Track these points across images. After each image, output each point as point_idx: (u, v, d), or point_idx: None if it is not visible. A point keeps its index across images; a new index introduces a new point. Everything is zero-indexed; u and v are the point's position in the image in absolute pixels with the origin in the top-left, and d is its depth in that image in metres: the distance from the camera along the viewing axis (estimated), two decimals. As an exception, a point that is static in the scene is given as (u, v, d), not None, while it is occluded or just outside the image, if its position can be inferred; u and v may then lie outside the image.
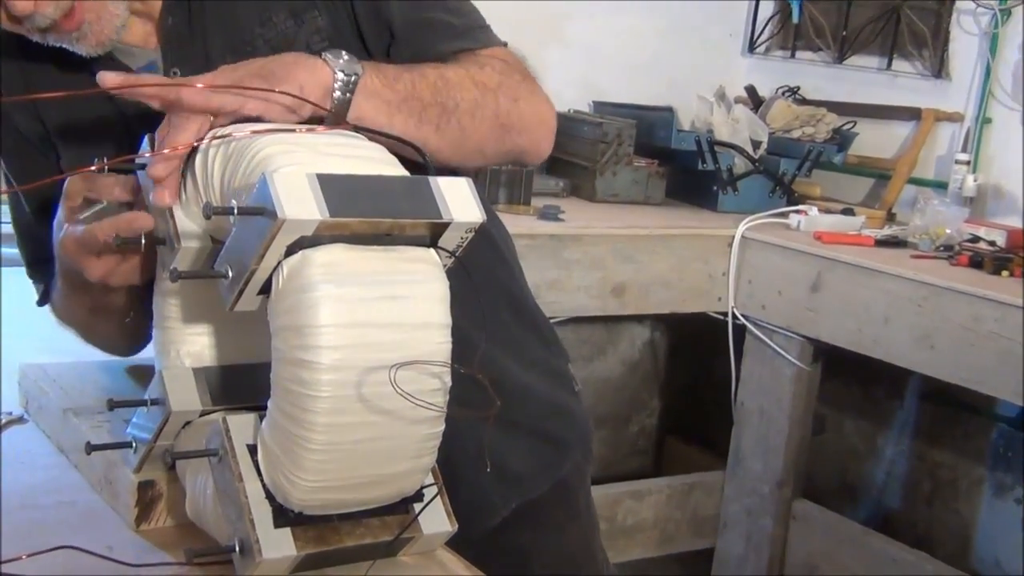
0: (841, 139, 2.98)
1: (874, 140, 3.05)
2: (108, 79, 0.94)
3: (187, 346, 0.99)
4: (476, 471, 1.01)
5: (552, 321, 1.42)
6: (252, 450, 0.86)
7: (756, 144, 2.90)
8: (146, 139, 0.95)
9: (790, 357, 2.61)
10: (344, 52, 1.00)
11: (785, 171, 2.87)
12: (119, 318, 1.16)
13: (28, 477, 1.08)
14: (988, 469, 2.82)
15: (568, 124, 2.94)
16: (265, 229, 0.79)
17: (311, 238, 0.81)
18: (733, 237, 2.62)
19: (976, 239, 2.50)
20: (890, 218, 2.87)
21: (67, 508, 1.02)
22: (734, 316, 2.64)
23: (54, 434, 1.17)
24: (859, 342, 2.41)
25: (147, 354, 1.21)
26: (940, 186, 2.90)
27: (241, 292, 0.83)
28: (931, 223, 2.54)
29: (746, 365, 2.73)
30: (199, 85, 0.93)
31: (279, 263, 0.81)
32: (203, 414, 0.95)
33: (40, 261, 1.23)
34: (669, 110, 2.92)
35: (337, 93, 0.99)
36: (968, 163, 2.81)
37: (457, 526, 0.94)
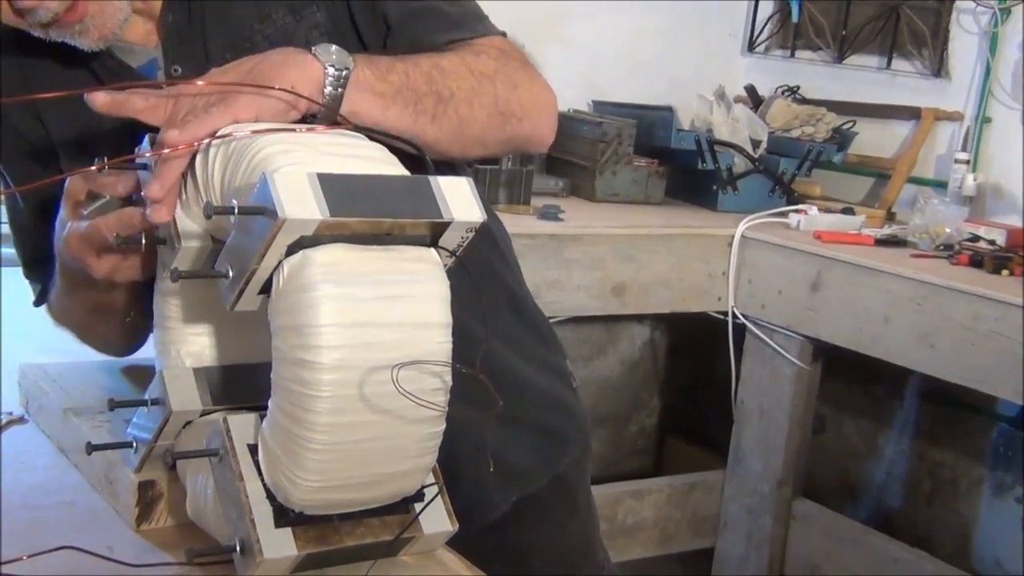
0: (841, 138, 2.98)
1: (874, 139, 3.05)
2: (98, 100, 0.94)
3: (187, 346, 0.99)
4: (476, 466, 1.01)
5: (552, 321, 1.42)
6: (253, 450, 0.86)
7: (756, 143, 2.90)
8: (146, 138, 0.95)
9: (790, 356, 2.61)
10: (334, 46, 0.99)
11: (785, 170, 2.87)
12: (119, 317, 1.16)
13: (28, 477, 1.08)
14: (988, 468, 2.82)
15: (568, 124, 2.94)
16: (265, 229, 0.79)
17: (311, 238, 0.80)
18: (733, 236, 2.62)
19: (976, 238, 2.50)
20: (890, 217, 2.87)
21: (67, 508, 1.02)
22: (734, 315, 2.64)
23: (54, 434, 1.17)
24: (859, 341, 2.41)
25: (147, 354, 1.21)
26: (940, 185, 2.90)
27: (241, 292, 0.83)
28: (931, 222, 2.54)
29: (746, 364, 2.73)
30: (199, 83, 0.92)
31: (279, 263, 0.81)
32: (203, 414, 0.95)
33: (37, 261, 1.23)
34: (669, 109, 2.92)
35: (329, 88, 0.97)
36: (968, 162, 2.81)
37: (458, 526, 0.93)
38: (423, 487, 0.90)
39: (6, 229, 1.28)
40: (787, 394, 2.65)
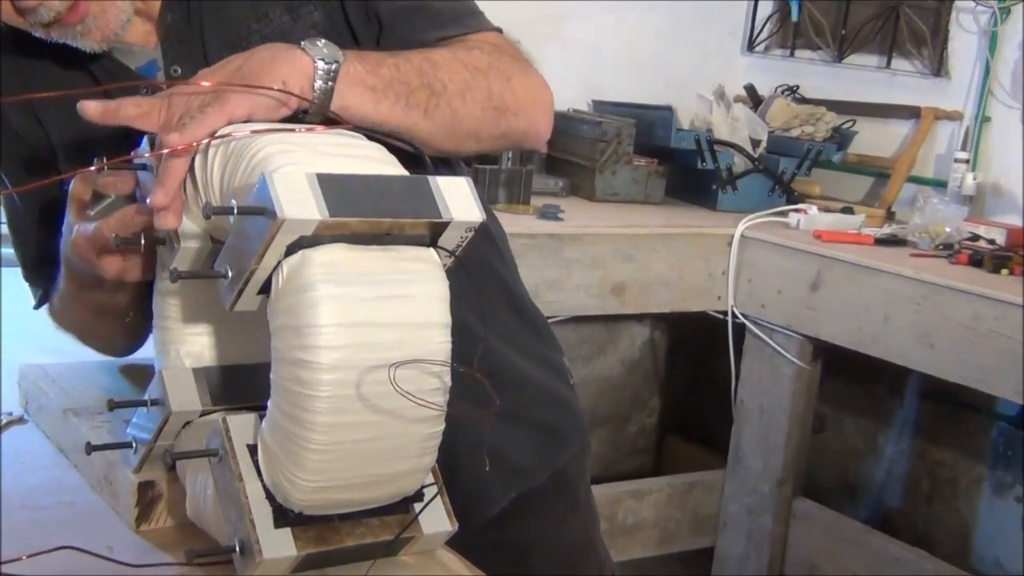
0: (840, 138, 2.98)
1: (873, 139, 3.05)
2: (90, 109, 0.93)
3: (187, 346, 0.99)
4: (475, 462, 1.01)
5: (552, 320, 1.42)
6: (252, 450, 0.86)
7: (755, 143, 2.90)
8: (145, 139, 0.95)
9: (790, 356, 2.61)
10: (323, 40, 0.98)
11: (784, 170, 2.87)
12: (120, 318, 1.15)
13: (28, 477, 1.08)
14: (988, 467, 2.82)
15: (567, 123, 2.95)
16: (265, 229, 0.79)
17: (311, 238, 0.80)
18: (733, 236, 2.62)
19: (976, 237, 2.50)
20: (890, 217, 2.87)
21: (67, 508, 1.02)
22: (734, 315, 2.64)
23: (54, 434, 1.17)
24: (859, 341, 2.41)
25: (147, 354, 1.21)
26: (940, 184, 2.90)
27: (241, 292, 0.83)
28: (931, 221, 2.54)
29: (746, 364, 2.73)
30: (196, 82, 0.92)
31: (279, 263, 0.81)
32: (203, 414, 0.95)
33: (37, 264, 1.23)
34: (668, 109, 2.92)
35: (319, 82, 0.96)
36: (967, 161, 2.81)
37: (457, 525, 0.93)
38: (423, 487, 0.91)
39: (6, 229, 1.28)
40: (787, 393, 2.65)
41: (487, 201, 2.51)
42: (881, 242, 2.55)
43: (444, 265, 0.87)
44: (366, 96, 1.00)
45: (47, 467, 1.11)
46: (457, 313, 0.85)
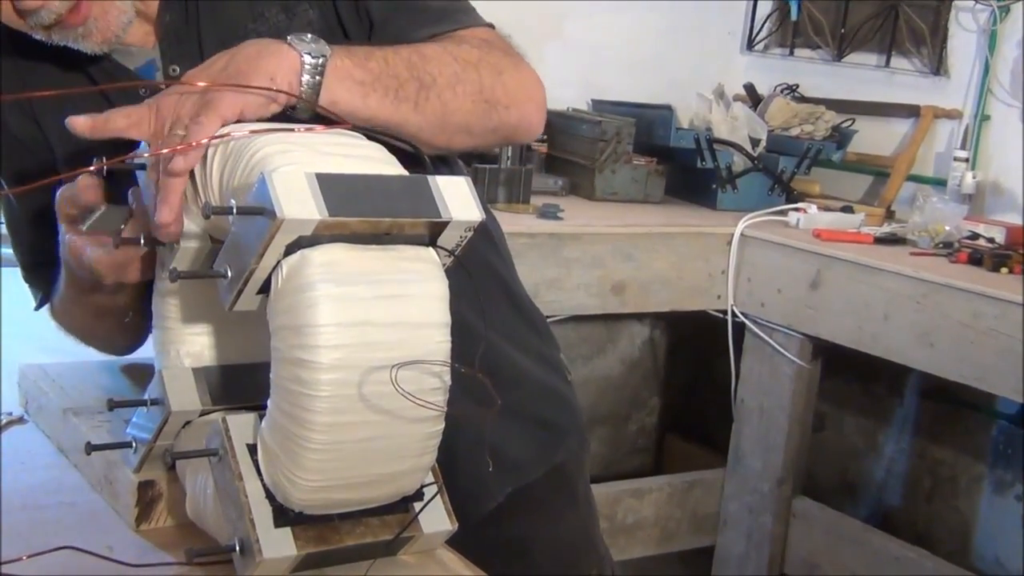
0: (840, 137, 2.98)
1: (873, 137, 3.05)
2: (79, 125, 0.93)
3: (187, 346, 0.99)
4: (473, 458, 1.01)
5: (552, 320, 1.42)
6: (252, 449, 0.86)
7: (755, 142, 2.90)
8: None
9: (790, 355, 2.61)
10: (309, 35, 0.97)
11: (784, 169, 2.87)
12: (120, 319, 1.16)
13: (28, 477, 1.08)
14: (988, 466, 2.82)
15: (567, 123, 2.95)
16: (264, 229, 0.79)
17: (310, 237, 0.81)
18: (732, 235, 2.62)
19: (975, 236, 2.50)
20: (889, 215, 2.87)
21: (67, 508, 1.02)
22: (733, 314, 2.64)
23: (54, 434, 1.17)
24: (859, 339, 2.41)
25: (147, 353, 1.21)
26: (939, 183, 2.90)
27: (240, 292, 0.83)
28: (930, 220, 2.54)
29: (746, 363, 2.73)
30: (188, 82, 0.92)
31: (278, 262, 0.81)
32: (203, 414, 0.95)
33: (36, 266, 1.23)
34: (668, 108, 2.92)
35: (306, 77, 0.95)
36: (967, 160, 2.81)
37: (457, 525, 0.94)
38: (422, 486, 0.91)
39: (6, 229, 1.28)
40: (787, 392, 2.65)
41: (486, 200, 2.52)
42: (881, 241, 2.55)
43: (443, 265, 0.87)
44: (355, 90, 0.99)
45: (47, 467, 1.11)
46: (456, 310, 0.85)
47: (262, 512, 0.85)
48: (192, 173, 0.91)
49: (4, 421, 1.21)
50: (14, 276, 1.32)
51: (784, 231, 2.62)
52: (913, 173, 2.96)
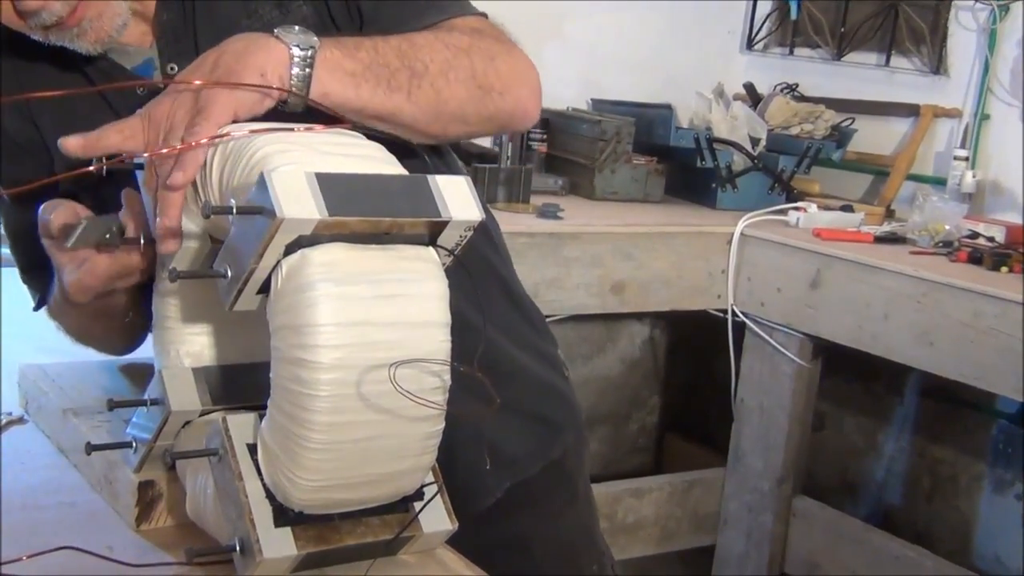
0: (840, 136, 2.98)
1: (873, 136, 3.05)
2: (71, 145, 0.93)
3: (186, 346, 0.99)
4: (470, 453, 1.01)
5: (552, 319, 1.42)
6: (252, 449, 0.86)
7: (755, 141, 2.90)
8: None
9: (790, 354, 2.61)
10: (297, 27, 0.96)
11: (784, 168, 2.87)
12: (119, 319, 1.15)
13: (28, 477, 1.08)
14: (988, 465, 2.82)
15: (567, 122, 2.95)
16: (264, 228, 0.79)
17: (310, 237, 0.80)
18: (732, 234, 2.62)
19: (975, 235, 2.50)
20: (889, 215, 2.87)
21: (67, 508, 1.02)
22: (733, 313, 2.64)
23: (54, 434, 1.17)
24: (859, 339, 2.41)
25: (147, 353, 1.21)
26: (939, 182, 2.90)
27: (240, 291, 0.83)
28: (930, 219, 2.54)
29: (746, 362, 2.73)
30: (178, 82, 0.91)
31: (278, 262, 0.81)
32: (203, 414, 0.95)
33: (34, 267, 1.22)
34: (668, 107, 2.92)
35: (296, 69, 0.94)
36: (967, 159, 2.81)
37: (458, 524, 0.94)
38: (422, 486, 0.91)
39: (3, 230, 1.28)
40: (787, 392, 2.65)
41: (486, 200, 2.52)
42: (881, 240, 2.55)
43: (443, 264, 0.87)
44: (346, 81, 0.98)
45: (47, 467, 1.11)
46: (455, 306, 0.85)
47: (262, 512, 0.85)
48: (191, 173, 0.91)
49: (4, 421, 1.21)
50: (14, 276, 1.32)
51: (784, 230, 2.62)
52: (913, 172, 2.96)
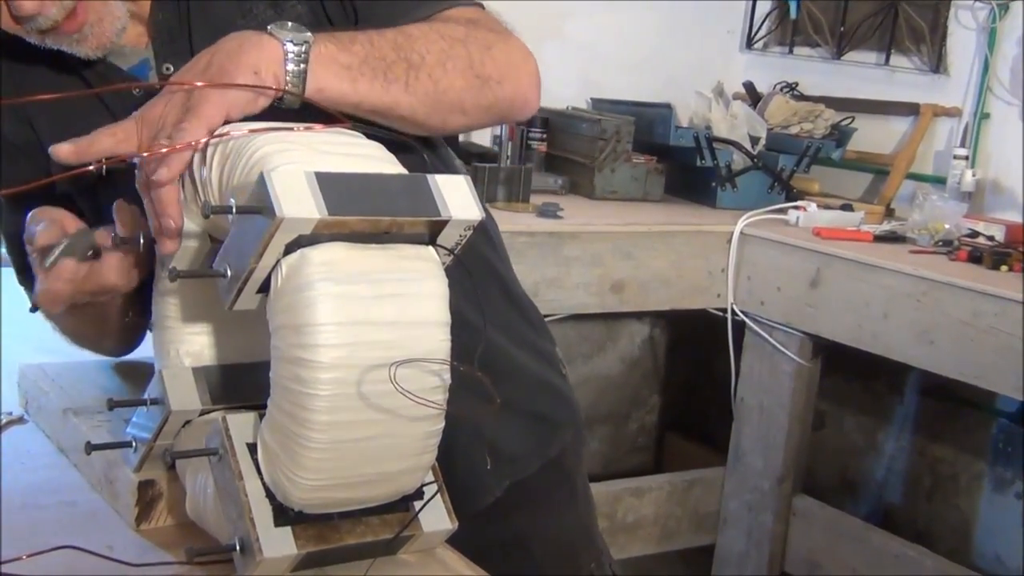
0: (839, 135, 2.98)
1: (872, 135, 3.05)
2: (63, 152, 0.93)
3: (186, 345, 0.99)
4: (469, 452, 1.01)
5: (552, 318, 1.42)
6: (252, 449, 0.86)
7: (754, 140, 2.90)
8: None
9: (790, 353, 2.61)
10: (290, 22, 0.95)
11: (784, 167, 2.87)
12: (113, 323, 1.16)
13: (28, 477, 1.08)
14: (988, 464, 2.82)
15: (566, 121, 2.95)
16: (263, 228, 0.79)
17: (310, 236, 0.80)
18: (732, 233, 2.62)
19: (975, 234, 2.50)
20: (889, 213, 2.87)
21: (67, 508, 1.02)
22: (733, 312, 2.64)
23: (54, 434, 1.17)
24: (859, 338, 2.41)
25: (147, 353, 1.21)
26: (939, 181, 2.90)
27: (240, 291, 0.83)
28: (930, 218, 2.54)
29: (746, 361, 2.73)
30: (171, 83, 0.92)
31: (278, 261, 0.81)
32: (203, 413, 0.95)
33: (30, 269, 1.22)
34: (667, 107, 2.92)
35: (291, 65, 0.94)
36: (967, 158, 2.81)
37: (458, 524, 0.94)
38: (422, 485, 0.91)
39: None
40: (787, 391, 2.65)
41: (485, 199, 2.52)
42: (880, 239, 2.55)
43: (443, 264, 0.87)
44: (342, 75, 0.97)
45: (47, 467, 1.11)
46: (454, 305, 0.85)
47: (262, 511, 0.85)
48: (191, 173, 0.91)
49: (4, 421, 1.21)
50: (14, 276, 1.32)
51: (784, 229, 2.62)
52: (913, 171, 2.96)
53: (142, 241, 0.96)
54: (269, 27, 0.95)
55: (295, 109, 0.96)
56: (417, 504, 0.91)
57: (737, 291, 2.64)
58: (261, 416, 0.86)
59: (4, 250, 1.31)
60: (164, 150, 0.88)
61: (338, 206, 0.80)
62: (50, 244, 0.99)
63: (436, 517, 0.92)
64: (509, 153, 2.70)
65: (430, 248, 0.86)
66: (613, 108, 3.04)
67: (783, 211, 2.72)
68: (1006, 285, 2.17)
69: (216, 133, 0.89)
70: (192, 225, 0.93)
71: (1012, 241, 2.45)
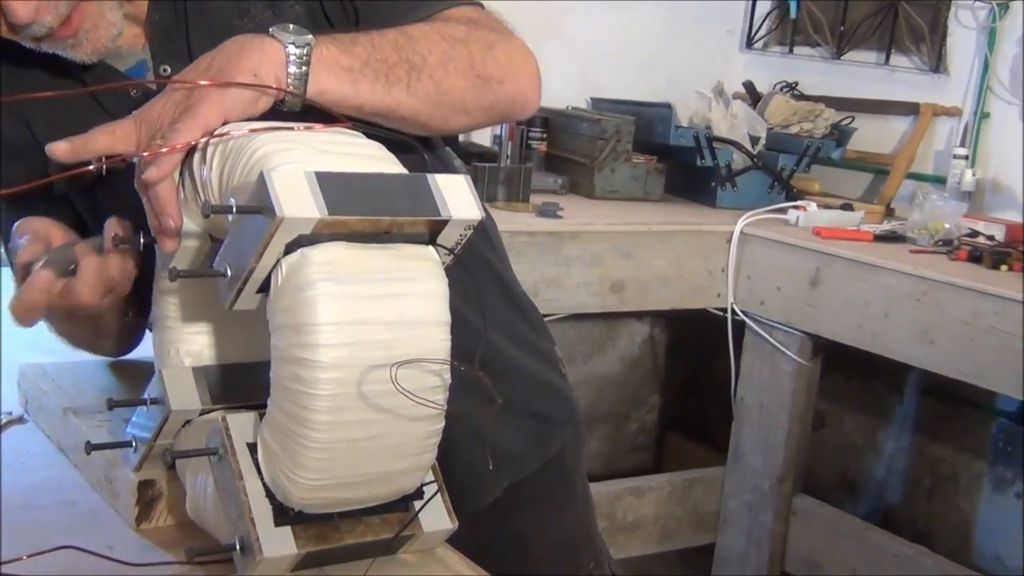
0: (839, 134, 2.98)
1: (872, 135, 3.05)
2: (59, 151, 0.93)
3: (186, 345, 0.99)
4: (468, 451, 1.01)
5: (552, 318, 1.42)
6: (252, 448, 0.86)
7: (754, 140, 2.90)
8: None
9: (790, 353, 2.61)
10: (291, 25, 0.95)
11: (783, 167, 2.87)
12: (109, 325, 1.16)
13: (28, 477, 1.08)
14: (988, 464, 2.82)
15: (566, 121, 2.95)
16: (263, 227, 0.79)
17: (310, 236, 0.80)
18: (732, 233, 2.62)
19: (975, 234, 2.50)
20: (889, 213, 2.87)
21: (67, 508, 1.02)
22: (733, 312, 2.64)
23: (54, 434, 1.17)
24: (859, 337, 2.41)
25: (146, 353, 1.21)
26: (939, 181, 2.90)
27: (240, 291, 0.83)
28: (930, 218, 2.54)
29: (746, 361, 2.73)
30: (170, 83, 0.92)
31: (278, 261, 0.81)
32: (203, 413, 0.95)
33: None
34: (667, 106, 2.92)
35: (292, 68, 0.93)
36: (966, 157, 2.81)
37: (457, 523, 0.94)
38: (422, 485, 0.91)
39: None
40: (787, 390, 2.65)
41: (485, 198, 2.52)
42: (880, 238, 2.55)
43: (443, 263, 0.87)
44: (343, 77, 0.97)
45: (47, 466, 1.11)
46: (453, 304, 0.85)
47: (262, 511, 0.85)
48: (191, 173, 0.91)
49: (4, 421, 1.21)
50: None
51: (784, 229, 2.62)
52: (913, 171, 2.96)
53: (142, 242, 0.96)
54: (271, 29, 0.95)
55: (296, 111, 0.96)
56: (417, 504, 0.91)
57: (737, 291, 2.64)
58: (261, 416, 0.86)
59: (3, 250, 1.31)
60: (164, 150, 0.88)
61: (338, 206, 0.80)
62: (32, 260, 0.99)
63: (436, 517, 0.92)
64: (509, 153, 2.70)
65: (430, 248, 0.86)
66: (613, 108, 3.04)
67: (783, 211, 2.72)
68: (1006, 285, 2.17)
69: (216, 133, 0.89)
70: (192, 225, 0.93)
71: (1012, 241, 2.45)
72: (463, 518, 0.94)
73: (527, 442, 1.27)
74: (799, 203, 2.73)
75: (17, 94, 1.09)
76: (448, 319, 0.84)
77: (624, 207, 2.76)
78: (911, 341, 2.29)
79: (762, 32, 3.42)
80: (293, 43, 0.94)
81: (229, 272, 0.84)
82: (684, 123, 2.96)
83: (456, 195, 0.86)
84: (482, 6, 1.17)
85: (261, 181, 0.79)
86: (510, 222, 2.35)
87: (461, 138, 2.81)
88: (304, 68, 0.94)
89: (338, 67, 0.97)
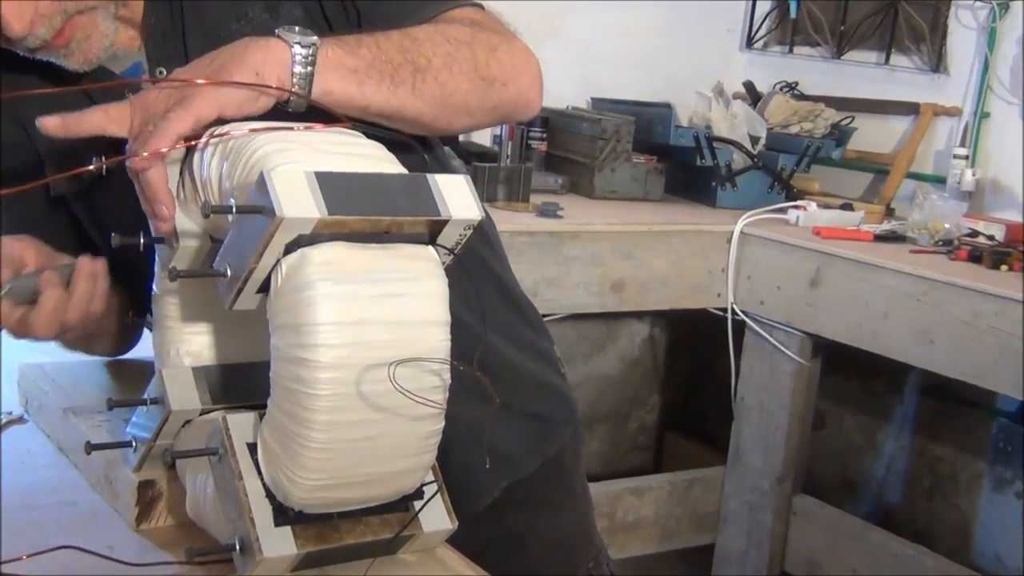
0: (839, 134, 2.98)
1: (872, 135, 3.05)
2: (49, 125, 0.93)
3: (186, 345, 0.99)
4: (466, 452, 1.01)
5: (552, 318, 1.42)
6: (252, 448, 0.86)
7: (754, 140, 2.90)
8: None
9: (790, 352, 2.61)
10: (297, 26, 0.96)
11: (784, 166, 2.87)
12: (107, 327, 1.16)
13: (28, 477, 1.08)
14: (988, 464, 2.82)
15: (566, 121, 2.95)
16: (263, 227, 0.79)
17: (310, 236, 0.80)
18: (732, 233, 2.62)
19: (975, 233, 2.50)
20: (889, 213, 2.87)
21: (67, 508, 1.02)
22: (733, 312, 2.64)
23: (54, 434, 1.17)
24: (859, 337, 2.41)
25: (146, 353, 1.21)
26: (939, 181, 2.90)
27: (240, 291, 0.83)
28: (930, 218, 2.54)
29: (746, 361, 2.73)
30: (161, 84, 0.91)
31: (278, 261, 0.81)
32: (203, 413, 0.95)
33: None
34: (667, 106, 2.92)
35: (298, 68, 0.94)
36: (967, 157, 2.81)
37: (457, 523, 0.94)
38: (422, 485, 0.91)
39: (5, 231, 1.28)
40: (787, 390, 2.65)
41: (485, 198, 2.52)
42: (880, 238, 2.55)
43: (443, 263, 0.87)
44: (348, 78, 0.97)
45: (47, 466, 1.11)
46: (451, 306, 0.85)
47: (262, 511, 0.85)
48: (191, 173, 0.91)
49: (4, 421, 1.22)
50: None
51: (784, 229, 2.62)
52: (913, 170, 2.96)
53: (142, 242, 0.96)
54: (277, 30, 0.95)
55: (300, 111, 0.96)
56: (417, 504, 0.91)
57: (737, 290, 2.64)
58: (261, 416, 0.86)
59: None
60: (152, 152, 0.88)
61: (338, 206, 0.80)
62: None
63: (436, 517, 0.92)
64: (509, 153, 2.70)
65: (430, 248, 0.86)
66: (613, 108, 3.04)
67: (783, 211, 2.72)
68: (1006, 285, 2.17)
69: (216, 132, 0.89)
70: (192, 225, 0.93)
71: (1012, 240, 2.45)
72: (462, 518, 0.94)
73: (526, 442, 1.27)
74: (799, 203, 2.73)
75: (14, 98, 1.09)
76: (448, 319, 0.84)
77: (624, 207, 2.76)
78: (911, 341, 2.29)
79: (762, 32, 3.42)
80: (299, 43, 0.94)
81: (229, 272, 0.84)
82: (684, 123, 2.96)
83: (456, 195, 0.86)
84: (483, 7, 1.17)
85: (261, 181, 0.79)
86: (510, 222, 2.35)
87: (461, 138, 2.81)
88: (309, 68, 0.95)
89: (343, 68, 0.97)
